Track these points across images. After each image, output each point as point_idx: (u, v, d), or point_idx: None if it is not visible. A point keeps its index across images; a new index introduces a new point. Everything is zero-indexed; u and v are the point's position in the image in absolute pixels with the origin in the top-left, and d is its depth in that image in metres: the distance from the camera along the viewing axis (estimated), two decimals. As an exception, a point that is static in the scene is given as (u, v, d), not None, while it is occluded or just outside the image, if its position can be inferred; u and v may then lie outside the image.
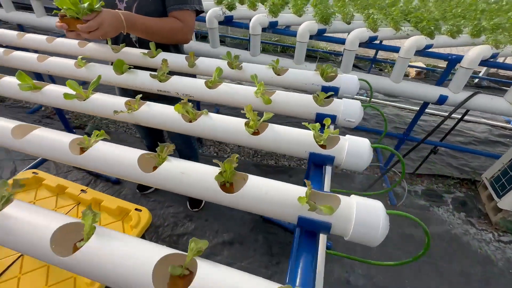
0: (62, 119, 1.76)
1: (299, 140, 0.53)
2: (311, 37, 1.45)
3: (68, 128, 1.84)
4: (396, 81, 1.41)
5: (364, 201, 0.39)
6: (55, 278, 0.95)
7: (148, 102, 0.62)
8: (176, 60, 0.87)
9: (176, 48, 1.06)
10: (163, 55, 0.88)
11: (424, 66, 3.68)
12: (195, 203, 1.65)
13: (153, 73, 0.75)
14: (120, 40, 0.98)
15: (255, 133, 0.55)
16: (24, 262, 0.99)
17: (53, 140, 0.51)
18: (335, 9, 1.51)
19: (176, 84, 0.74)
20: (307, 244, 0.41)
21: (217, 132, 0.57)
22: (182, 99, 0.59)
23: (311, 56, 3.96)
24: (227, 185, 0.44)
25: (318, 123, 0.54)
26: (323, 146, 0.53)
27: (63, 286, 0.93)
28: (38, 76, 1.77)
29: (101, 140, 0.51)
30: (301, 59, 1.49)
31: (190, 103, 0.59)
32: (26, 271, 0.96)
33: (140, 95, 0.62)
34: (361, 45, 1.41)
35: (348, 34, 1.37)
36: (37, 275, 0.95)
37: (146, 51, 0.88)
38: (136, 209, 1.13)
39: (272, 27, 1.50)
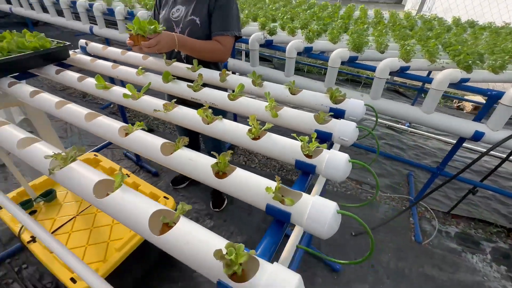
0: (122, 115, 2.12)
1: (290, 148, 0.63)
2: (342, 63, 1.53)
3: (126, 123, 2.19)
4: (427, 112, 1.39)
5: (321, 200, 0.47)
6: (94, 239, 1.17)
7: (179, 106, 0.79)
8: (211, 75, 1.05)
9: (215, 64, 1.26)
10: (202, 70, 1.07)
11: (484, 101, 3.35)
12: (217, 204, 1.80)
13: (189, 83, 0.94)
14: (173, 56, 1.22)
15: (255, 138, 0.67)
16: (75, 222, 1.24)
17: (108, 125, 0.70)
18: (369, 38, 1.57)
19: (206, 94, 0.90)
20: (274, 228, 0.51)
21: (226, 134, 0.71)
22: (208, 106, 0.75)
23: (355, 80, 3.96)
24: (220, 173, 0.57)
25: (306, 137, 0.63)
26: (308, 156, 0.62)
27: (98, 247, 1.14)
28: (112, 80, 2.18)
29: (140, 129, 0.69)
30: (332, 82, 1.57)
31: (210, 110, 0.75)
32: (75, 230, 1.20)
33: (175, 100, 0.80)
34: (392, 73, 1.44)
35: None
36: (82, 235, 1.18)
37: (190, 66, 1.09)
38: (164, 197, 1.32)
39: (307, 52, 1.62)
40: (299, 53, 1.63)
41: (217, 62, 1.27)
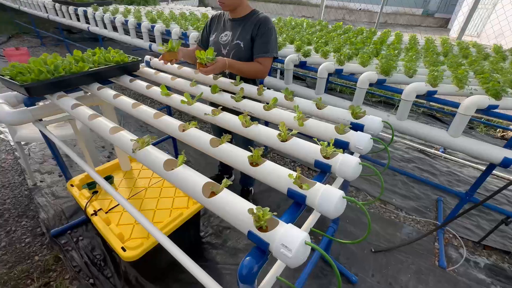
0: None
1: (311, 150, 0.78)
2: (370, 85, 1.64)
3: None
4: (453, 135, 1.42)
5: (330, 188, 0.61)
6: (140, 219, 1.38)
7: (224, 112, 0.99)
8: (250, 89, 1.25)
9: (253, 80, 1.47)
10: (243, 84, 1.27)
11: (533, 132, 3.12)
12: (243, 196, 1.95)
13: (232, 95, 1.14)
14: (220, 72, 1.46)
15: (283, 141, 0.83)
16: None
17: (171, 122, 0.92)
18: (399, 63, 1.66)
19: (245, 104, 1.09)
20: (292, 208, 0.65)
21: (260, 136, 0.87)
22: (247, 113, 0.93)
23: (389, 103, 3.94)
24: (254, 163, 0.73)
25: (326, 142, 0.77)
26: (326, 158, 0.75)
27: (141, 227, 1.34)
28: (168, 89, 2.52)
29: (194, 127, 0.88)
30: (359, 102, 1.68)
31: (248, 116, 0.92)
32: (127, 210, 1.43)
33: (221, 107, 1.00)
34: (419, 97, 1.51)
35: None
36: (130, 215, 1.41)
37: (233, 81, 1.30)
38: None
39: (337, 73, 1.77)
40: (330, 74, 1.78)
41: (256, 79, 1.48)
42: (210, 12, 4.31)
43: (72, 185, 1.51)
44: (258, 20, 1.35)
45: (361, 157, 0.84)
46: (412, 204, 2.10)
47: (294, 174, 0.65)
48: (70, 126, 1.62)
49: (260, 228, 0.52)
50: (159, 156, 0.73)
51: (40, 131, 1.27)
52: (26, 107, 1.19)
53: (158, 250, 1.32)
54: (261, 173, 0.69)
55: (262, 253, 0.53)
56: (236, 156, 0.74)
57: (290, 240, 0.47)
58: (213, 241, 1.71)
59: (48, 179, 2.14)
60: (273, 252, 0.50)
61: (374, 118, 0.95)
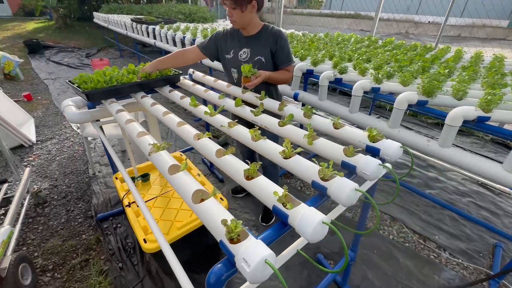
0: (207, 129, 2.61)
1: (309, 170, 0.77)
2: (410, 105, 1.51)
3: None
4: (510, 171, 1.20)
5: (312, 211, 0.59)
6: (164, 216, 1.52)
7: (239, 125, 1.04)
8: (273, 104, 1.28)
9: (277, 96, 1.53)
10: (266, 100, 1.32)
11: None
12: (266, 219, 1.96)
13: (252, 109, 1.19)
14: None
15: (286, 158, 0.84)
16: (156, 201, 1.64)
17: (188, 131, 1.01)
18: (447, 83, 1.49)
19: (262, 119, 1.13)
20: (276, 226, 0.65)
21: (265, 150, 0.90)
22: (258, 128, 0.97)
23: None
24: (249, 177, 0.75)
25: (325, 163, 0.75)
26: (324, 179, 0.74)
27: (166, 222, 1.47)
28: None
29: (207, 137, 0.96)
30: (396, 124, 1.55)
31: (259, 131, 0.96)
32: (155, 206, 1.59)
33: (237, 120, 1.06)
34: (467, 123, 1.33)
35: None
36: (158, 211, 1.55)
37: (258, 95, 1.36)
38: (220, 198, 1.59)
39: (374, 92, 1.67)
40: (365, 92, 1.70)
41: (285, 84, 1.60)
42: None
43: (116, 178, 1.75)
44: (274, 34, 1.41)
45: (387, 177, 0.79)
46: (459, 245, 1.80)
47: (281, 192, 0.65)
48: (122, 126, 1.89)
49: (231, 240, 0.55)
50: (168, 160, 0.82)
51: (95, 129, 1.52)
52: (87, 109, 1.45)
53: (175, 249, 1.43)
54: (253, 187, 0.71)
55: (232, 264, 0.55)
56: (234, 167, 0.78)
57: (252, 255, 0.49)
58: (211, 261, 1.75)
59: (104, 170, 2.50)
60: (236, 264, 0.51)
61: (391, 143, 0.89)
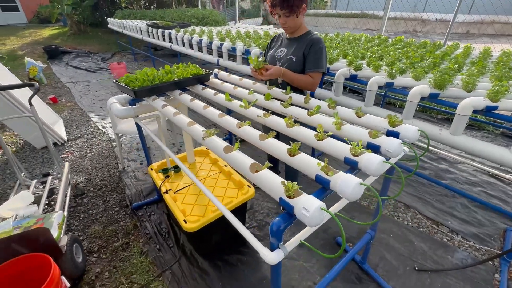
0: (227, 125, 2.78)
1: (341, 148, 0.91)
2: (423, 98, 1.64)
3: (228, 132, 2.83)
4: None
5: (350, 175, 0.74)
6: (198, 201, 1.68)
7: (273, 115, 1.19)
8: (298, 98, 1.43)
9: (301, 92, 1.66)
10: (292, 94, 1.47)
11: None
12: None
13: (282, 102, 1.34)
14: (272, 83, 1.69)
15: (320, 140, 0.98)
16: (189, 188, 1.80)
17: (231, 121, 1.17)
18: (457, 77, 1.62)
19: (291, 110, 1.28)
20: (318, 191, 0.80)
21: (300, 135, 1.05)
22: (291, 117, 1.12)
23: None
24: (291, 154, 0.91)
25: (353, 142, 0.90)
26: (354, 155, 0.88)
27: (201, 207, 1.63)
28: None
29: (248, 125, 1.11)
30: (409, 116, 1.68)
31: (292, 119, 1.11)
32: (189, 193, 1.75)
33: (270, 111, 1.21)
34: (476, 112, 1.45)
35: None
36: (192, 197, 1.72)
37: (283, 90, 1.51)
38: (248, 185, 1.75)
39: (388, 86, 1.81)
40: (380, 87, 1.83)
41: (306, 90, 1.66)
42: (272, 30, 4.68)
43: (151, 169, 1.92)
44: (312, 40, 1.54)
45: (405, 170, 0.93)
46: (471, 229, 1.91)
47: (322, 163, 0.80)
48: (155, 123, 2.06)
49: (289, 196, 0.70)
50: (221, 143, 0.98)
51: (136, 124, 1.70)
52: (130, 106, 1.62)
53: (210, 231, 1.59)
54: (296, 161, 0.86)
55: (289, 216, 0.70)
56: (278, 148, 0.94)
57: (309, 204, 0.64)
58: (256, 233, 1.90)
59: (132, 165, 2.69)
60: (296, 213, 0.66)
61: (409, 127, 1.02)
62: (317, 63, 1.54)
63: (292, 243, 0.74)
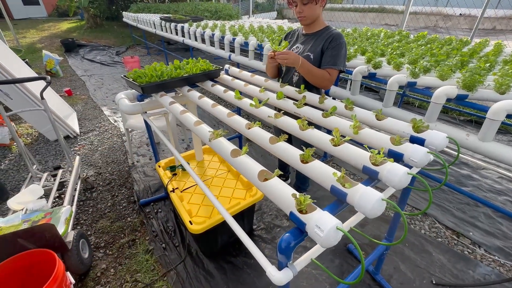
0: (237, 122, 2.71)
1: (360, 156, 0.83)
2: (448, 100, 1.50)
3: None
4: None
5: (370, 189, 0.66)
6: (205, 202, 1.63)
7: (284, 116, 1.12)
8: (313, 98, 1.34)
9: (317, 90, 1.56)
10: (306, 93, 1.38)
11: None
12: (295, 210, 2.03)
13: (295, 101, 1.26)
14: (287, 80, 1.60)
15: (335, 145, 0.90)
16: (196, 188, 1.75)
17: (240, 121, 1.10)
18: (488, 78, 1.48)
19: (305, 111, 1.20)
20: (334, 204, 0.72)
21: (314, 139, 0.96)
22: (305, 118, 1.04)
23: (481, 123, 3.35)
24: (304, 161, 0.83)
25: (374, 149, 0.81)
26: (375, 165, 0.79)
27: (207, 207, 1.58)
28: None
29: (258, 126, 1.04)
30: (433, 118, 1.55)
31: (306, 121, 1.03)
32: (196, 193, 1.71)
33: (282, 111, 1.13)
34: (511, 116, 1.32)
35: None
36: (199, 197, 1.67)
37: (297, 89, 1.42)
38: (256, 187, 1.68)
39: (410, 86, 1.68)
40: (401, 87, 1.71)
41: (320, 88, 1.56)
42: (286, 24, 4.55)
43: (159, 166, 1.89)
44: (331, 35, 1.43)
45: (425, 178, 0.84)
46: (495, 242, 1.78)
47: (339, 173, 0.72)
48: (164, 119, 2.02)
49: (300, 211, 0.63)
50: (228, 146, 0.91)
51: (144, 120, 1.66)
52: (138, 102, 1.58)
53: (216, 232, 1.55)
54: (309, 169, 0.79)
55: (300, 233, 0.63)
56: (290, 153, 0.86)
57: (323, 223, 0.56)
58: (264, 235, 1.84)
59: (142, 160, 2.68)
60: (308, 231, 0.59)
61: (437, 133, 0.92)
62: (334, 59, 1.42)
63: (302, 261, 0.67)
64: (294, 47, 1.57)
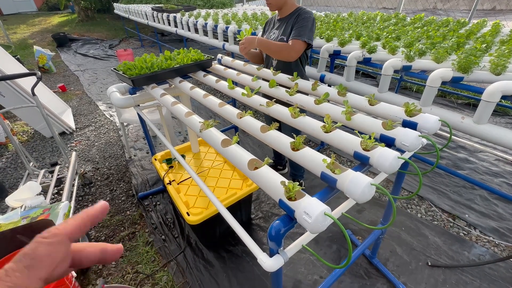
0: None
1: (351, 142, 0.82)
2: (444, 83, 1.49)
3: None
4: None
5: (359, 174, 0.66)
6: (202, 193, 1.64)
7: (277, 104, 1.10)
8: (306, 84, 1.32)
9: (298, 70, 1.59)
10: (299, 80, 1.36)
11: None
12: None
13: (287, 89, 1.24)
14: (269, 65, 1.61)
15: (327, 132, 0.89)
16: (193, 180, 1.76)
17: (231, 111, 1.09)
18: (484, 59, 1.45)
19: (297, 98, 1.18)
20: (324, 191, 0.72)
21: (306, 126, 0.95)
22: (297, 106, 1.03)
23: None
24: (294, 149, 0.82)
25: (365, 135, 0.80)
26: (366, 150, 0.79)
27: (204, 199, 1.59)
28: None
29: (249, 115, 1.03)
30: (428, 102, 1.54)
31: (298, 108, 1.02)
32: (192, 184, 1.71)
33: (274, 99, 1.12)
34: (506, 98, 1.30)
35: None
36: (196, 188, 1.68)
37: (291, 76, 1.40)
38: (253, 176, 1.68)
39: (405, 70, 1.66)
40: (396, 71, 1.69)
41: (286, 60, 1.54)
42: (281, 11, 4.44)
43: (155, 159, 1.89)
44: (299, 13, 1.48)
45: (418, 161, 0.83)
46: (491, 223, 1.80)
47: (329, 159, 0.72)
48: (158, 112, 2.01)
49: (289, 198, 0.63)
50: (218, 136, 0.90)
51: (138, 113, 1.64)
52: (130, 95, 1.56)
53: (214, 222, 1.56)
54: (300, 157, 0.78)
55: (290, 220, 0.63)
56: (280, 141, 0.85)
57: (311, 209, 0.56)
58: (262, 224, 1.86)
59: (139, 154, 2.68)
60: (297, 218, 0.59)
61: (429, 116, 0.91)
62: (299, 31, 1.43)
63: (293, 248, 0.67)
64: (271, 33, 1.61)
